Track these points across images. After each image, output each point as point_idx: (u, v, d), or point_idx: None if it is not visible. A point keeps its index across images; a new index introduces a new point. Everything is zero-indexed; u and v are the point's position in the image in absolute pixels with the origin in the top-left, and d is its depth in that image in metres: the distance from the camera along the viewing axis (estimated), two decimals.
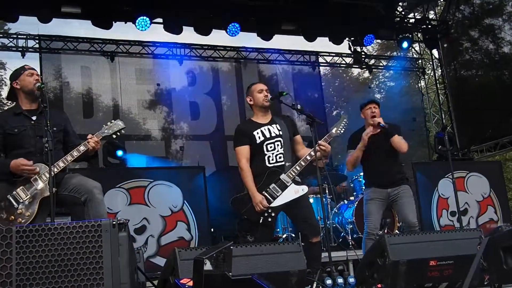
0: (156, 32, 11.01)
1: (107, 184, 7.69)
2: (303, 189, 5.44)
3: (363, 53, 13.03)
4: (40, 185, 4.64)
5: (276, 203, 5.37)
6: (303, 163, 5.45)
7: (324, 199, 7.34)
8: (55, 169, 4.55)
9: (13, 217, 4.54)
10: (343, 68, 15.03)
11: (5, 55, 17.27)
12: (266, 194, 5.38)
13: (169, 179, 8.49)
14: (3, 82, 20.65)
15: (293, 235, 7.68)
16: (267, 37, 11.27)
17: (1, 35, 11.09)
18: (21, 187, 4.64)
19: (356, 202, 7.69)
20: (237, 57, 12.26)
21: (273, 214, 5.36)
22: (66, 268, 3.12)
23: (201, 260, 3.30)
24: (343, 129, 5.69)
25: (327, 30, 11.54)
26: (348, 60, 13.15)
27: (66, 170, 4.97)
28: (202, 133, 11.81)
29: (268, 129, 5.59)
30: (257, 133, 5.56)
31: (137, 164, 9.95)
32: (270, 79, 12.54)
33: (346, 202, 8.12)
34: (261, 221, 5.33)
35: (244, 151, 5.55)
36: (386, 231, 7.44)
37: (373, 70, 14.24)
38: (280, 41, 11.95)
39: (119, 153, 9.84)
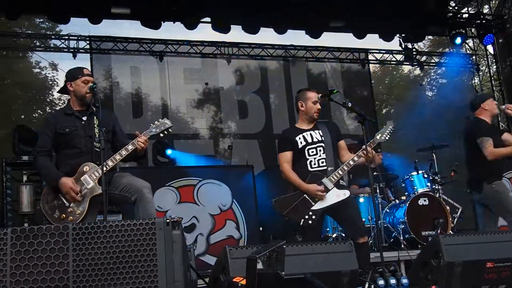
0: (204, 32, 11.06)
1: (157, 183, 7.77)
2: (344, 193, 5.42)
3: (414, 49, 12.76)
4: (90, 184, 4.71)
5: (317, 206, 5.38)
6: (345, 168, 5.47)
7: (375, 199, 7.23)
8: (105, 168, 4.61)
9: (64, 215, 4.63)
10: (393, 65, 14.81)
11: (57, 56, 17.70)
12: (307, 197, 5.40)
13: (218, 177, 8.53)
14: (55, 82, 21.11)
15: (343, 234, 7.58)
16: (316, 34, 11.17)
17: (53, 37, 11.36)
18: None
19: (408, 202, 7.53)
20: (285, 55, 12.19)
21: (314, 217, 5.34)
22: (121, 265, 3.14)
23: (254, 259, 3.27)
24: (388, 136, 5.63)
25: (376, 26, 11.35)
26: (399, 57, 12.91)
27: (116, 169, 5.04)
28: (250, 132, 11.81)
29: (311, 134, 5.63)
30: (299, 138, 5.61)
31: (186, 163, 10.00)
32: (319, 77, 12.46)
33: (397, 201, 7.96)
34: (301, 223, 5.34)
35: (286, 156, 5.62)
36: (439, 231, 7.28)
37: (425, 67, 13.92)
38: (329, 39, 11.82)
39: (168, 152, 9.94)
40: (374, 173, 7.15)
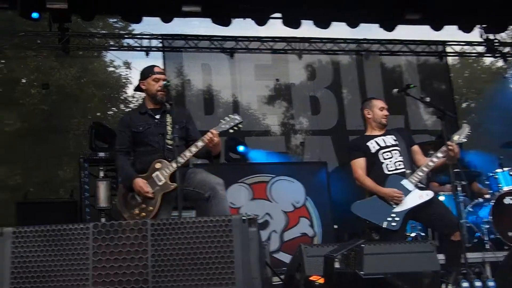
0: (274, 27, 11.00)
1: (230, 179, 7.80)
2: (427, 194, 5.33)
3: (496, 40, 12.18)
4: (162, 181, 4.77)
5: (399, 208, 5.27)
6: (426, 168, 5.40)
7: (457, 197, 6.90)
8: (175, 165, 4.66)
9: (137, 211, 4.75)
10: (473, 57, 14.25)
11: (130, 55, 18.21)
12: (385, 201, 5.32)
13: (291, 174, 8.50)
14: (128, 80, 21.65)
15: (423, 234, 7.33)
16: (390, 27, 10.88)
17: (126, 36, 11.60)
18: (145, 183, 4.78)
19: (493, 201, 7.16)
20: (358, 50, 11.91)
21: (397, 219, 5.23)
22: (199, 261, 3.18)
23: (332, 257, 3.20)
24: (466, 139, 5.46)
25: (455, 17, 10.92)
26: (480, 49, 12.32)
27: (189, 165, 5.11)
28: (323, 128, 11.61)
29: (383, 139, 5.58)
30: (371, 143, 5.57)
31: (258, 159, 9.97)
32: (393, 71, 12.16)
33: (481, 200, 7.60)
34: (385, 225, 5.23)
35: (358, 163, 5.57)
36: None
37: (508, 58, 13.28)
38: (404, 32, 11.47)
39: (241, 148, 9.95)
40: (455, 170, 6.83)
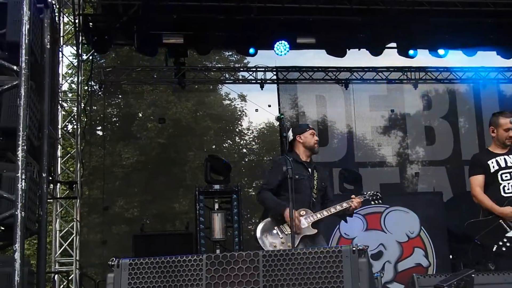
0: (389, 57, 11.04)
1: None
2: None
3: None
4: (305, 225, 5.21)
5: None
6: None
7: None
8: (320, 215, 5.26)
9: (276, 245, 5.17)
10: None
11: (245, 87, 18.54)
12: (503, 222, 5.19)
13: (405, 205, 8.45)
14: (243, 113, 22.00)
15: None
16: (508, 55, 10.63)
17: (242, 69, 11.91)
18: (287, 223, 5.18)
19: None
20: (475, 78, 11.72)
21: (508, 244, 5.12)
22: None
23: (441, 287, 3.25)
24: None
25: None
26: None
27: None
28: (438, 158, 11.48)
29: (504, 159, 5.42)
30: (492, 162, 5.43)
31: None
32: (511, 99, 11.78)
33: None
34: (495, 249, 5.15)
35: (478, 180, 5.46)
36: None
37: None
38: None
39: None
40: None
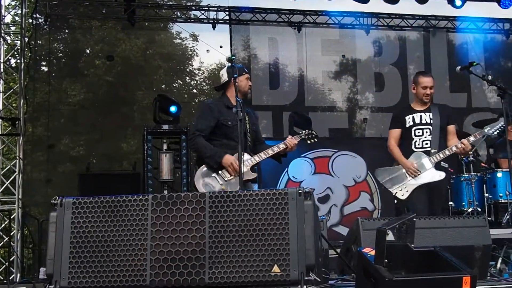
0: (343, 2, 10.95)
1: (292, 153, 7.89)
2: (440, 175, 5.74)
3: None
4: (243, 169, 5.07)
5: (412, 181, 5.75)
6: (447, 152, 5.76)
7: None
8: (258, 158, 5.32)
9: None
10: None
11: (197, 27, 18.10)
12: (405, 172, 5.80)
13: (353, 149, 8.55)
14: (195, 53, 21.71)
15: (479, 209, 7.35)
16: (458, 4, 10.68)
17: (194, 8, 11.64)
18: (226, 168, 5.21)
19: None
20: (426, 26, 11.77)
21: (406, 190, 5.74)
22: (255, 232, 3.27)
23: (383, 230, 3.30)
24: (497, 132, 5.82)
25: None
26: None
27: None
28: (387, 105, 11.58)
29: (421, 116, 5.96)
30: (408, 118, 5.99)
31: (321, 134, 10.03)
32: (460, 48, 11.94)
33: None
34: (393, 192, 5.84)
35: (393, 133, 6.07)
36: None
37: None
38: (471, 9, 11.24)
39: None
40: None
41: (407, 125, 5.96)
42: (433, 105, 6.06)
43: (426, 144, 5.85)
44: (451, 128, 6.05)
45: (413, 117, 5.98)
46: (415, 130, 5.92)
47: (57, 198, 3.48)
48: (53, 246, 3.41)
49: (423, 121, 5.94)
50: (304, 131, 5.68)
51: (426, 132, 5.88)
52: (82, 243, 3.38)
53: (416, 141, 5.90)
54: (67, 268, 3.34)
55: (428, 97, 5.99)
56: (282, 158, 5.61)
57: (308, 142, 5.69)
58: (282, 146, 5.38)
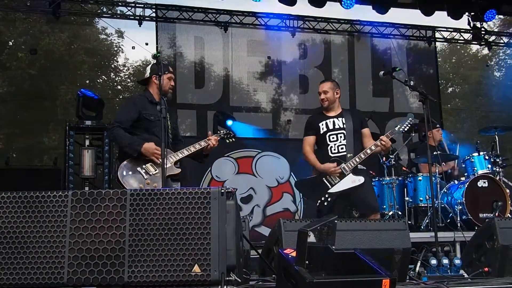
0: (270, 4, 11.02)
1: (216, 153, 7.93)
2: (359, 179, 5.78)
3: (483, 29, 12.34)
4: (168, 165, 5.12)
5: (333, 189, 5.77)
6: (362, 156, 5.83)
7: (434, 179, 7.14)
8: (181, 154, 5.33)
9: (142, 186, 5.08)
10: (461, 44, 14.38)
11: (123, 23, 17.88)
12: (325, 180, 5.81)
13: (277, 150, 8.62)
14: (120, 49, 21.42)
15: (400, 212, 7.58)
16: (383, 10, 10.97)
17: (120, 4, 11.41)
18: (150, 163, 5.19)
19: (467, 183, 7.40)
20: (351, 30, 12.02)
21: (329, 199, 5.76)
22: (176, 231, 3.25)
23: (305, 232, 3.32)
24: (407, 128, 6.04)
25: (445, 4, 11.03)
26: (467, 36, 12.51)
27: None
28: (310, 107, 11.72)
29: (333, 121, 6.05)
30: (322, 124, 6.07)
31: (245, 134, 10.09)
32: (384, 53, 12.25)
33: (456, 182, 7.84)
34: (318, 204, 5.82)
35: (309, 140, 6.15)
36: (497, 214, 7.16)
37: (493, 47, 13.42)
38: (396, 15, 11.59)
39: (229, 122, 10.04)
40: (434, 153, 7.10)
41: (321, 131, 6.05)
42: (344, 111, 6.19)
43: (342, 148, 5.92)
44: (366, 131, 6.18)
45: (326, 123, 6.07)
46: (329, 136, 6.01)
47: None
48: None
49: (337, 126, 6.03)
50: (223, 131, 5.77)
51: (341, 136, 5.97)
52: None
53: (331, 147, 5.97)
54: None
55: (324, 102, 6.12)
56: (205, 158, 5.62)
57: (227, 141, 5.78)
58: (203, 143, 5.43)
